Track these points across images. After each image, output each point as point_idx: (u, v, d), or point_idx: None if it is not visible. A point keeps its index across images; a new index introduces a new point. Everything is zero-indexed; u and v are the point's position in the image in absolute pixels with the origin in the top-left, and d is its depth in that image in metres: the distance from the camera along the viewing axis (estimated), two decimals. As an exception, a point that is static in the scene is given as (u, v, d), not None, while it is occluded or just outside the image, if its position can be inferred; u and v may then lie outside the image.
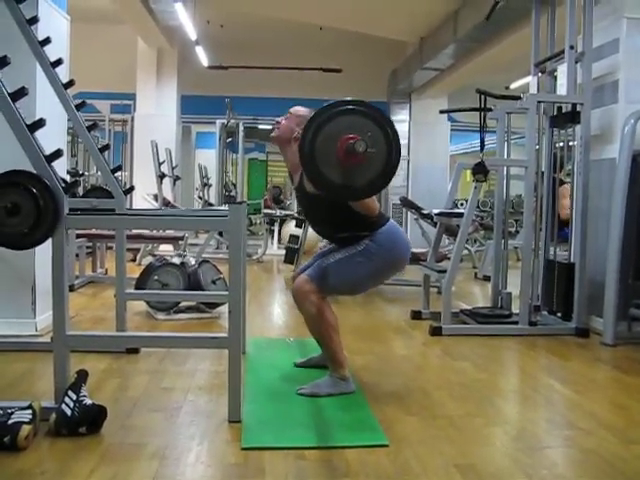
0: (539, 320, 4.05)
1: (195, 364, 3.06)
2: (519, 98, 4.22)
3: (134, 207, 7.81)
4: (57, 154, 2.22)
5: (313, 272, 2.66)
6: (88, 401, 2.18)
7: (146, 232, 5.77)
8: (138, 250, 7.09)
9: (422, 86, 10.07)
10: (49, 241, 2.18)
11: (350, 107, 2.33)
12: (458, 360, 3.35)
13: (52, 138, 3.18)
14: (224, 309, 4.10)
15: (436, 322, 3.95)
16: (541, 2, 4.50)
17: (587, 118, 3.98)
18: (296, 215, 7.54)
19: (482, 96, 4.15)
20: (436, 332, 3.84)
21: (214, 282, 4.37)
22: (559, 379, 3.04)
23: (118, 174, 3.41)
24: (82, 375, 2.26)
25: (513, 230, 7.52)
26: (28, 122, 2.20)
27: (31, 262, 3.45)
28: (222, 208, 7.28)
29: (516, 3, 5.54)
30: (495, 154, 4.61)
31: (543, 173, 4.30)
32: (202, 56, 9.25)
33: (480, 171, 3.90)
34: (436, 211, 4.84)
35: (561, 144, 4.27)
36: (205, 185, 10.45)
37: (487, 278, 6.20)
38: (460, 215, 4.33)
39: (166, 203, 7.57)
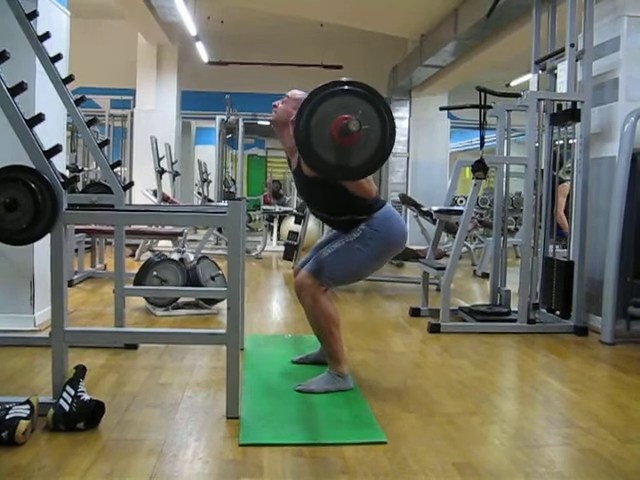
0: (538, 318, 4.05)
1: (193, 360, 3.07)
2: (519, 95, 4.22)
3: (133, 203, 7.81)
4: (56, 149, 2.22)
5: (312, 266, 2.66)
6: (86, 396, 2.18)
7: (145, 228, 5.77)
8: (137, 246, 7.10)
9: (422, 83, 10.06)
10: (48, 236, 2.18)
11: (343, 87, 2.35)
12: (456, 357, 3.36)
13: (51, 133, 3.19)
14: (223, 305, 4.11)
15: (435, 319, 3.95)
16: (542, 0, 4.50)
17: (587, 116, 3.98)
18: (295, 211, 7.55)
19: (482, 93, 4.16)
20: (435, 329, 3.85)
21: (213, 278, 4.37)
22: (557, 377, 3.04)
23: (117, 169, 3.40)
24: (80, 370, 2.26)
25: (512, 228, 7.52)
26: (27, 117, 2.19)
27: (30, 257, 3.45)
28: (221, 204, 7.28)
29: (517, 1, 5.54)
30: (495, 151, 4.61)
31: (543, 171, 4.30)
32: (202, 52, 9.23)
33: (480, 168, 3.90)
34: (435, 208, 4.84)
35: (561, 142, 4.27)
36: (204, 181, 10.45)
37: (486, 275, 6.21)
38: (459, 212, 4.34)
39: (165, 199, 7.55)
